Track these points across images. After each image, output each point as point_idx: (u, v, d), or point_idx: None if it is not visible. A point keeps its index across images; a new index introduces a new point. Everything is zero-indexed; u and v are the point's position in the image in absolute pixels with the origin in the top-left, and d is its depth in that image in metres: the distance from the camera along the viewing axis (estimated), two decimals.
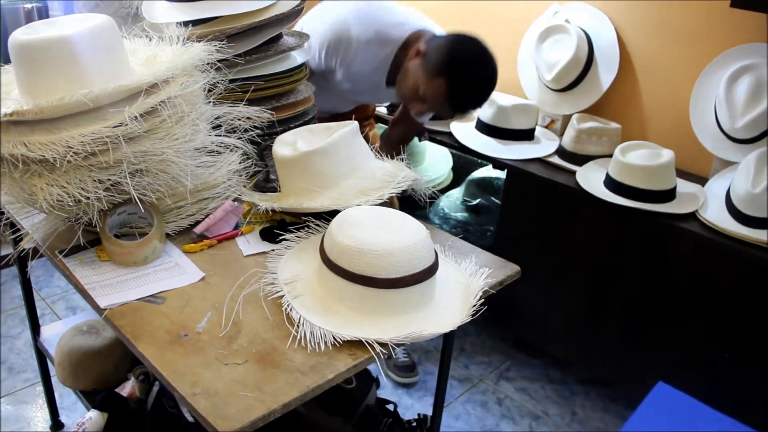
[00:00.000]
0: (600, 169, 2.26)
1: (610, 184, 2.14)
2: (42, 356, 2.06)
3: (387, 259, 1.18)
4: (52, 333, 2.02)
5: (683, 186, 2.18)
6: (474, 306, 1.27)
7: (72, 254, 1.40)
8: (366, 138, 2.23)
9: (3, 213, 1.54)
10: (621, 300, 2.24)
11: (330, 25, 2.05)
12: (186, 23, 1.62)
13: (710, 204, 2.09)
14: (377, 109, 2.68)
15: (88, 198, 1.27)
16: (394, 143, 2.29)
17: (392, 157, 1.65)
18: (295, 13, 1.75)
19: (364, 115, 2.54)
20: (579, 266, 2.33)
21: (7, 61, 1.38)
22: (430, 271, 1.24)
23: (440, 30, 2.18)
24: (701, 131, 2.28)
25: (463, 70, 1.95)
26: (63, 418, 2.28)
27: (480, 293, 1.31)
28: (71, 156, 1.23)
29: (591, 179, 2.22)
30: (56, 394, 2.22)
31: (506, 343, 2.82)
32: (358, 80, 2.11)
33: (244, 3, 1.66)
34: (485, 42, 2.00)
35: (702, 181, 2.26)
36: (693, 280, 2.05)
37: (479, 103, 2.06)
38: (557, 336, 2.50)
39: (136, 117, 1.27)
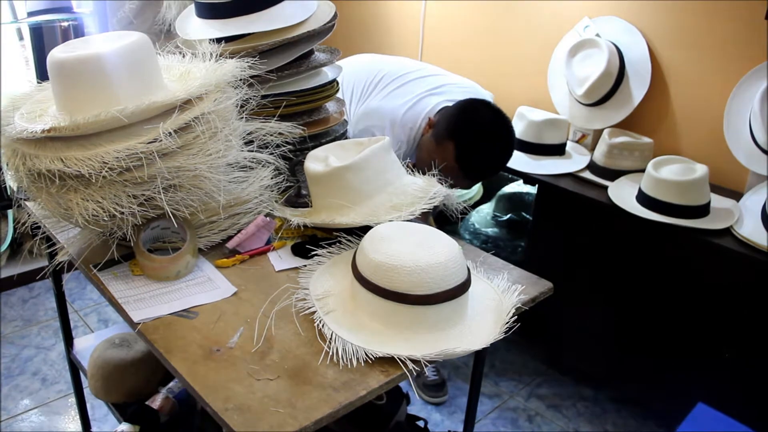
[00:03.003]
0: (632, 184, 2.23)
1: (643, 199, 2.12)
2: (75, 368, 2.08)
3: (420, 276, 1.17)
4: (85, 345, 2.04)
5: (717, 201, 2.15)
6: (507, 323, 1.26)
7: (106, 268, 1.42)
8: None
9: (39, 227, 1.57)
10: (653, 317, 2.20)
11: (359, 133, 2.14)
12: (219, 40, 1.64)
13: (745, 219, 2.05)
14: None
15: (123, 213, 1.28)
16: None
17: (429, 169, 1.64)
18: (326, 30, 1.75)
19: None
20: (611, 282, 2.31)
21: (46, 78, 1.40)
22: (463, 287, 1.23)
23: (458, 81, 2.28)
24: (735, 145, 2.25)
25: (471, 129, 1.94)
26: (94, 430, 2.29)
27: (513, 310, 1.30)
28: (106, 171, 1.24)
29: (623, 194, 2.20)
30: (88, 406, 2.24)
31: (537, 360, 2.79)
32: None
33: (276, 20, 1.67)
34: (497, 105, 2.00)
35: (737, 196, 2.22)
36: (728, 297, 2.01)
37: (492, 164, 2.02)
38: (589, 353, 2.47)
39: (170, 133, 1.28)
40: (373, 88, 2.26)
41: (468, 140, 1.93)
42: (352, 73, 2.31)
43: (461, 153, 1.92)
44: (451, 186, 1.91)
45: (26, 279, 3.14)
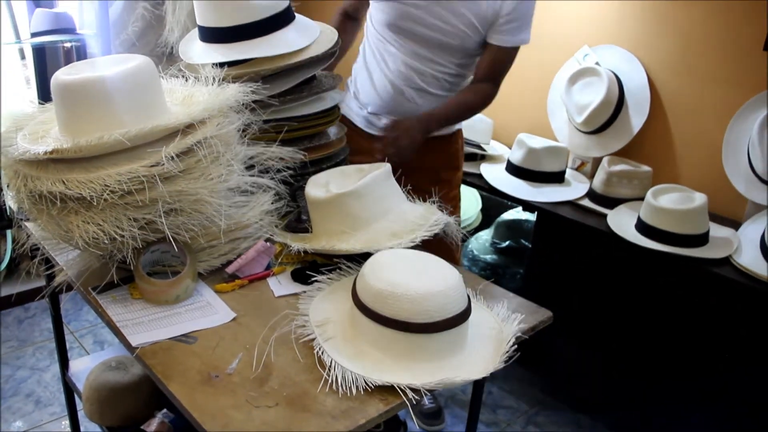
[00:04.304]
0: (631, 213, 2.24)
1: (642, 227, 2.12)
2: (69, 390, 2.07)
3: (420, 304, 1.17)
4: (81, 368, 2.03)
5: (716, 230, 2.15)
6: (507, 352, 1.25)
7: (105, 291, 1.41)
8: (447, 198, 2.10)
9: (38, 248, 1.56)
10: (652, 345, 2.20)
11: None
12: (221, 64, 1.64)
13: (744, 249, 2.05)
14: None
15: (123, 236, 1.28)
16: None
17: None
18: (329, 56, 1.76)
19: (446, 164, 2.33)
20: (609, 311, 2.30)
21: (47, 98, 1.40)
22: (463, 316, 1.22)
23: None
24: (734, 174, 2.26)
25: None
26: None
27: (513, 339, 1.29)
28: (108, 194, 1.24)
29: (622, 223, 2.20)
30: (82, 429, 2.22)
31: (535, 388, 2.78)
32: None
33: (279, 45, 1.68)
34: None
35: (735, 225, 2.23)
36: (727, 326, 2.01)
37: None
38: (587, 382, 2.46)
39: (172, 157, 1.28)
40: None
41: None
42: None
43: None
44: None
45: (22, 299, 3.12)
